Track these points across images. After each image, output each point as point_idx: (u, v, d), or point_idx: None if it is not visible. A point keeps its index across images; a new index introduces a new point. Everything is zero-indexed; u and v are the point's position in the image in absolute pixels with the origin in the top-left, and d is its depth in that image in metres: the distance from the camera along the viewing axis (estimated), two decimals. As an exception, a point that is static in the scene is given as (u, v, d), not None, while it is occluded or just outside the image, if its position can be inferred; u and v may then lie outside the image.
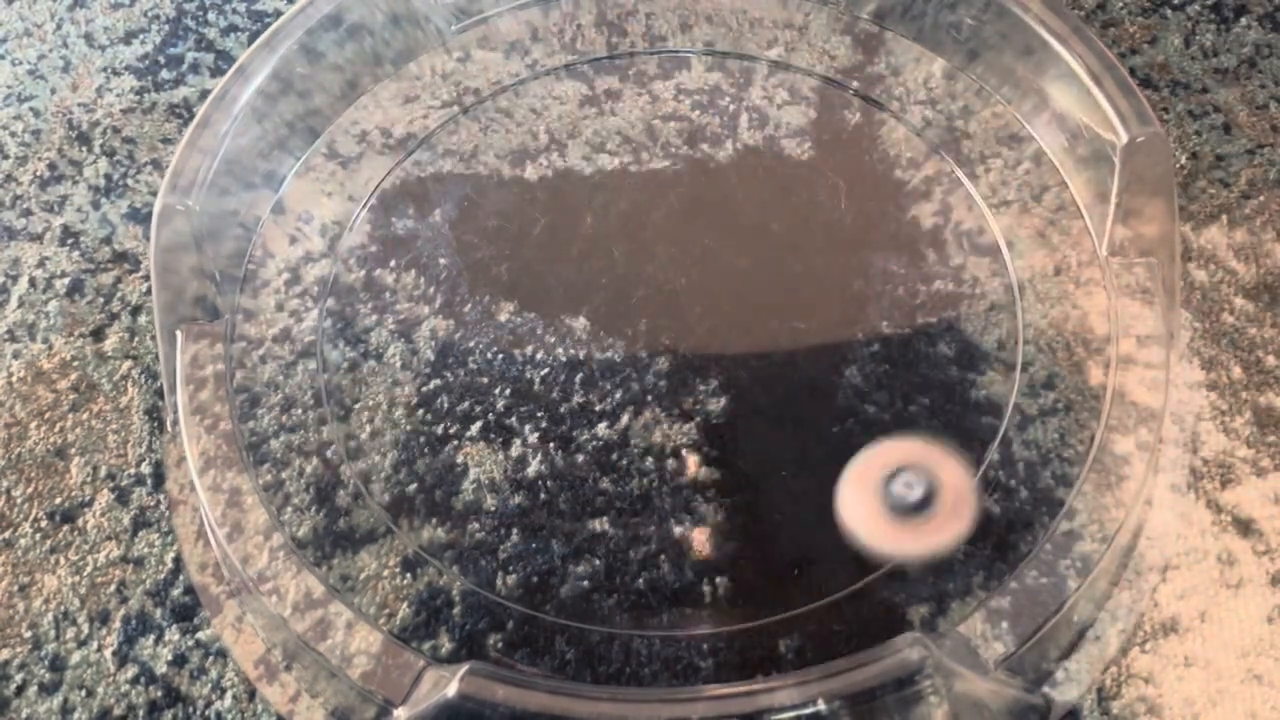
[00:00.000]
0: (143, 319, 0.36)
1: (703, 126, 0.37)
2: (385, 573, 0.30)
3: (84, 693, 0.30)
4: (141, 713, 0.30)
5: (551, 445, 0.32)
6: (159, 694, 0.30)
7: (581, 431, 0.32)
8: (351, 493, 0.31)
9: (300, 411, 0.33)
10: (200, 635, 0.30)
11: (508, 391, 0.33)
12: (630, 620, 0.29)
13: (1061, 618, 0.27)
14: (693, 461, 0.31)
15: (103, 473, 0.33)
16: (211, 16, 0.42)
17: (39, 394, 0.34)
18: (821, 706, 0.25)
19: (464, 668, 0.26)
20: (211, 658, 0.30)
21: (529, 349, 0.33)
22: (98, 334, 0.35)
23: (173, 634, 0.30)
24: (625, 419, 0.32)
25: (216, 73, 0.41)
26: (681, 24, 0.39)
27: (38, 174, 0.39)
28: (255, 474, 0.31)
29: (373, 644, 0.28)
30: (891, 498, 0.29)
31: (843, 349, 0.33)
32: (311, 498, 0.31)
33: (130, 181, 0.38)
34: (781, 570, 0.30)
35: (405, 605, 0.30)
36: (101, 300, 0.36)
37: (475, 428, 0.32)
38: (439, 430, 0.32)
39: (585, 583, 0.30)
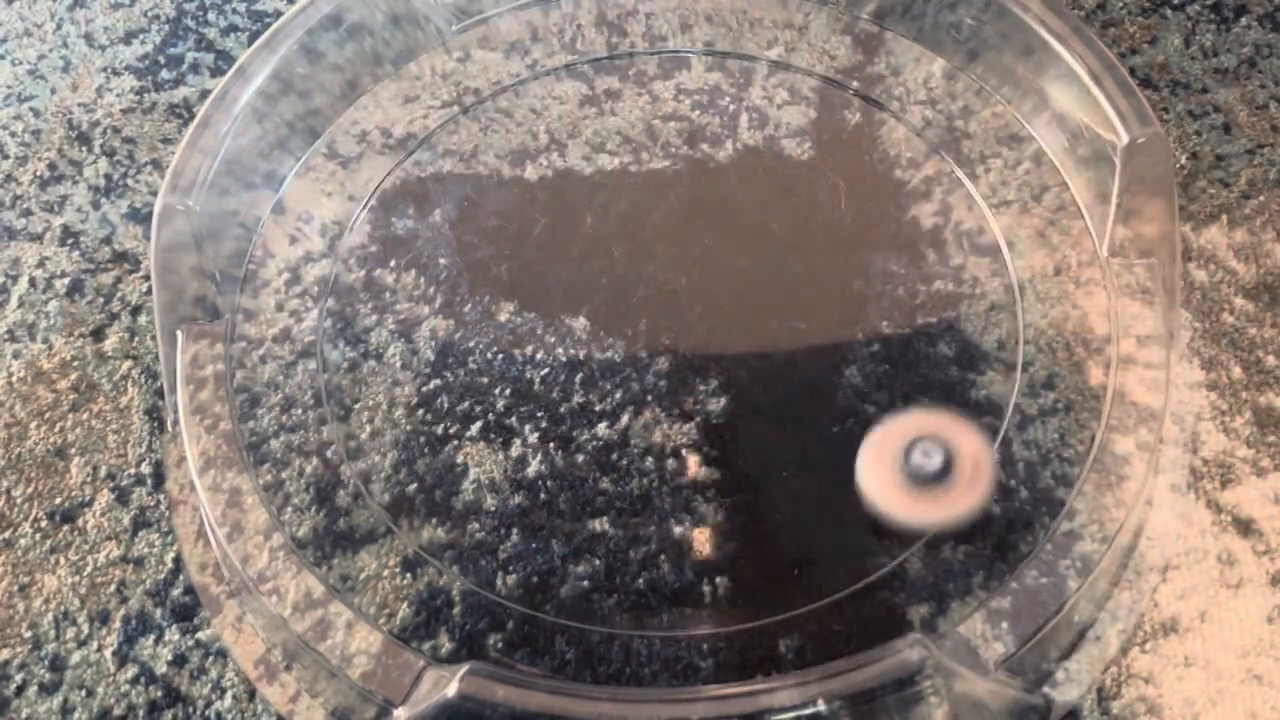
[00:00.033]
0: (143, 319, 0.36)
1: (703, 126, 0.37)
2: (385, 573, 0.30)
3: (84, 693, 0.30)
4: (141, 713, 0.30)
5: (551, 445, 0.32)
6: (159, 694, 0.30)
7: (581, 431, 0.32)
8: (351, 493, 0.31)
9: (300, 411, 0.33)
10: (200, 635, 0.30)
11: (508, 391, 0.33)
12: (630, 620, 0.29)
13: (1062, 618, 0.27)
14: (693, 461, 0.31)
15: (103, 473, 0.33)
16: (211, 16, 0.42)
17: (39, 394, 0.34)
18: (821, 707, 0.25)
19: (464, 668, 0.26)
20: (211, 658, 0.30)
21: (529, 349, 0.33)
22: (98, 334, 0.35)
23: (173, 634, 0.30)
24: (625, 419, 0.32)
25: (216, 73, 0.41)
26: (681, 24, 0.39)
27: (38, 174, 0.39)
28: (255, 474, 0.31)
29: (373, 644, 0.28)
30: (910, 467, 0.29)
31: (843, 349, 0.33)
32: (311, 498, 0.31)
33: (130, 181, 0.38)
34: (781, 570, 0.30)
35: (405, 605, 0.30)
36: (101, 300, 0.36)
37: (475, 428, 0.32)
38: (439, 430, 0.32)
39: (585, 583, 0.30)
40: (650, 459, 0.31)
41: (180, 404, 0.31)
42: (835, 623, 0.29)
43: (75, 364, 0.35)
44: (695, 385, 0.32)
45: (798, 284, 0.34)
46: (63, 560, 0.32)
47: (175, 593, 0.31)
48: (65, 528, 0.32)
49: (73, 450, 0.33)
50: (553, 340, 0.33)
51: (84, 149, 0.39)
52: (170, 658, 0.30)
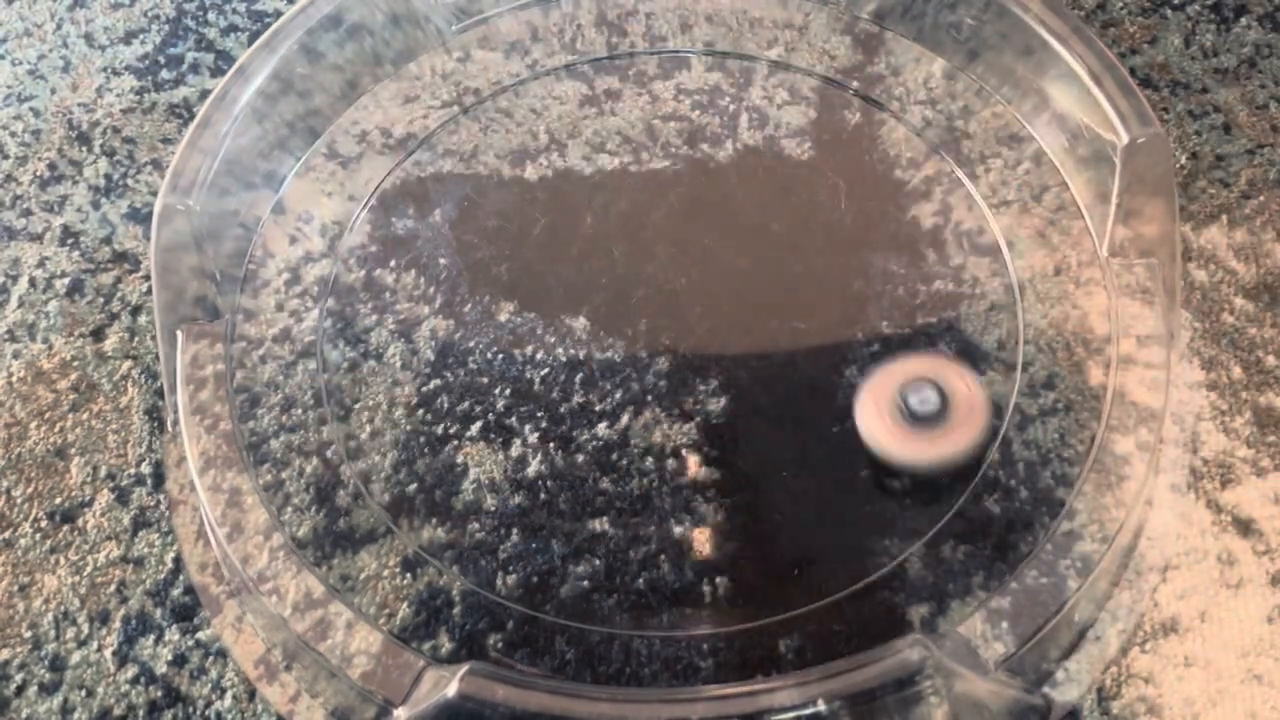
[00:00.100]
0: (143, 319, 0.36)
1: (703, 126, 0.37)
2: (385, 573, 0.30)
3: (84, 693, 0.30)
4: (141, 713, 0.30)
5: (551, 445, 0.32)
6: (159, 694, 0.30)
7: (581, 431, 0.32)
8: (351, 493, 0.31)
9: (300, 411, 0.33)
10: (200, 635, 0.30)
11: (508, 391, 0.33)
12: (630, 620, 0.29)
13: (1062, 618, 0.27)
14: (693, 461, 0.31)
15: (103, 473, 0.33)
16: (211, 16, 0.42)
17: (39, 394, 0.34)
18: (821, 707, 0.25)
19: (464, 668, 0.26)
20: (211, 658, 0.30)
21: (529, 349, 0.33)
22: (98, 334, 0.35)
23: (173, 634, 0.30)
24: (625, 419, 0.32)
25: (216, 73, 0.41)
26: (681, 24, 0.39)
27: (38, 174, 0.39)
28: (255, 474, 0.31)
29: (373, 644, 0.28)
30: (907, 408, 0.29)
31: (843, 349, 0.33)
32: (311, 498, 0.31)
33: (130, 181, 0.38)
34: (781, 570, 0.30)
35: (405, 605, 0.30)
36: (101, 300, 0.36)
37: (475, 428, 0.32)
38: (439, 430, 0.32)
39: (585, 583, 0.30)
40: (650, 459, 0.31)
41: (180, 404, 0.31)
42: (835, 623, 0.29)
43: (75, 364, 0.35)
44: (695, 385, 0.32)
45: (798, 284, 0.34)
46: (63, 560, 0.32)
47: (175, 593, 0.31)
48: (65, 528, 0.32)
49: (73, 450, 0.33)
50: (553, 340, 0.33)
51: (84, 149, 0.39)
52: (170, 658, 0.30)
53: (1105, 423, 0.29)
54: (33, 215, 0.38)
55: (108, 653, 0.30)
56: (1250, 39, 0.38)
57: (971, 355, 0.32)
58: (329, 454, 0.32)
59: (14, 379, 0.35)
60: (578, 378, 0.33)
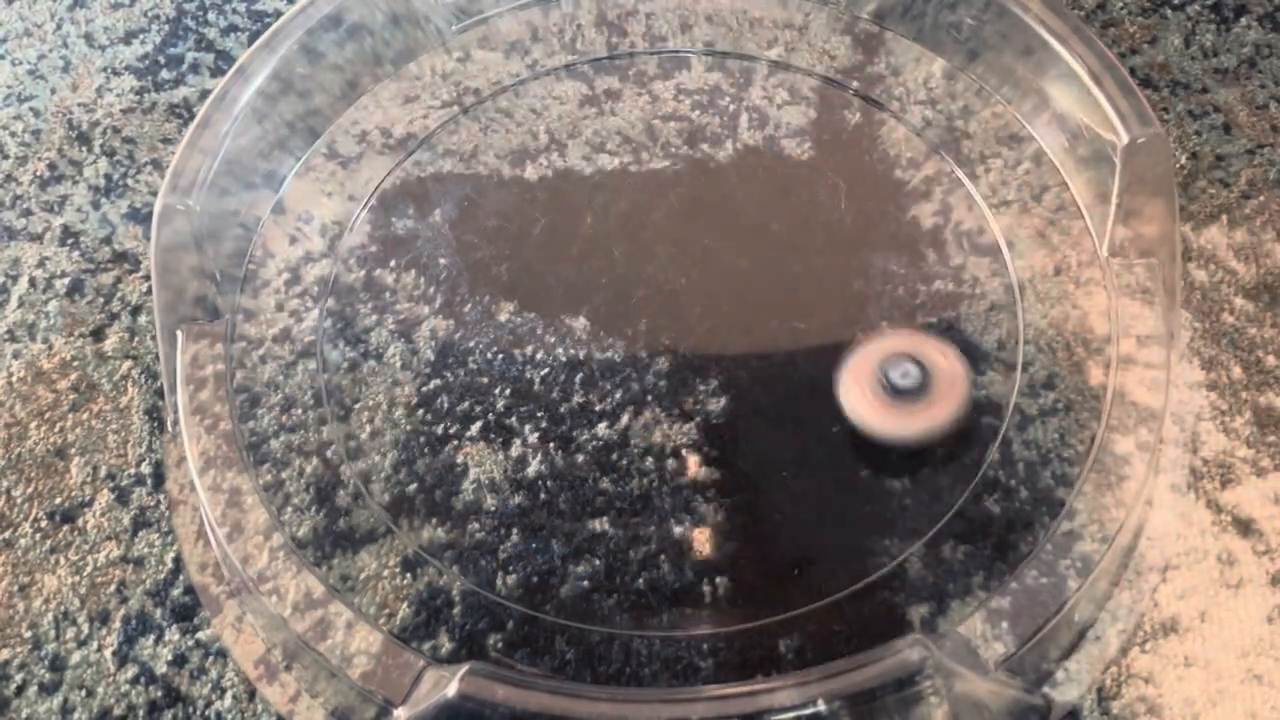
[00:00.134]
0: (143, 319, 0.36)
1: (703, 126, 0.37)
2: (385, 573, 0.30)
3: (84, 693, 0.30)
4: (141, 713, 0.30)
5: (551, 445, 0.32)
6: (159, 694, 0.30)
7: (581, 431, 0.32)
8: (351, 493, 0.31)
9: (300, 411, 0.33)
10: (200, 635, 0.30)
11: (508, 391, 0.33)
12: (630, 620, 0.29)
13: (1062, 618, 0.27)
14: (693, 461, 0.31)
15: (103, 473, 0.33)
16: (211, 16, 0.42)
17: (39, 394, 0.34)
18: (821, 707, 0.25)
19: (464, 668, 0.26)
20: (211, 658, 0.30)
21: (529, 349, 0.33)
22: (98, 334, 0.35)
23: (173, 634, 0.30)
24: (625, 419, 0.32)
25: (216, 73, 0.41)
26: (681, 24, 0.39)
27: (38, 174, 0.39)
28: (255, 474, 0.31)
29: (373, 644, 0.28)
30: (888, 383, 0.30)
31: (843, 349, 0.33)
32: (311, 498, 0.31)
33: (130, 181, 0.38)
34: (781, 570, 0.30)
35: (405, 605, 0.30)
36: (101, 300, 0.36)
37: (475, 428, 0.32)
38: (439, 430, 0.32)
39: (585, 583, 0.30)
40: (650, 459, 0.31)
41: (180, 404, 0.31)
42: (835, 623, 0.29)
43: (75, 364, 0.35)
44: (695, 385, 0.32)
45: (798, 284, 0.34)
46: (63, 560, 0.32)
47: (175, 593, 0.31)
48: (65, 528, 0.32)
49: (73, 450, 0.33)
50: (553, 340, 0.34)
51: (84, 149, 0.39)
52: (170, 658, 0.30)
53: (1105, 423, 0.29)
54: (33, 215, 0.38)
55: (108, 653, 0.30)
56: (1250, 39, 0.38)
57: (971, 355, 0.32)
58: (329, 454, 0.32)
59: (14, 379, 0.35)
60: (578, 378, 0.33)
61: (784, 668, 0.28)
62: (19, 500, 0.33)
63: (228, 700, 0.30)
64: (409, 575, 0.30)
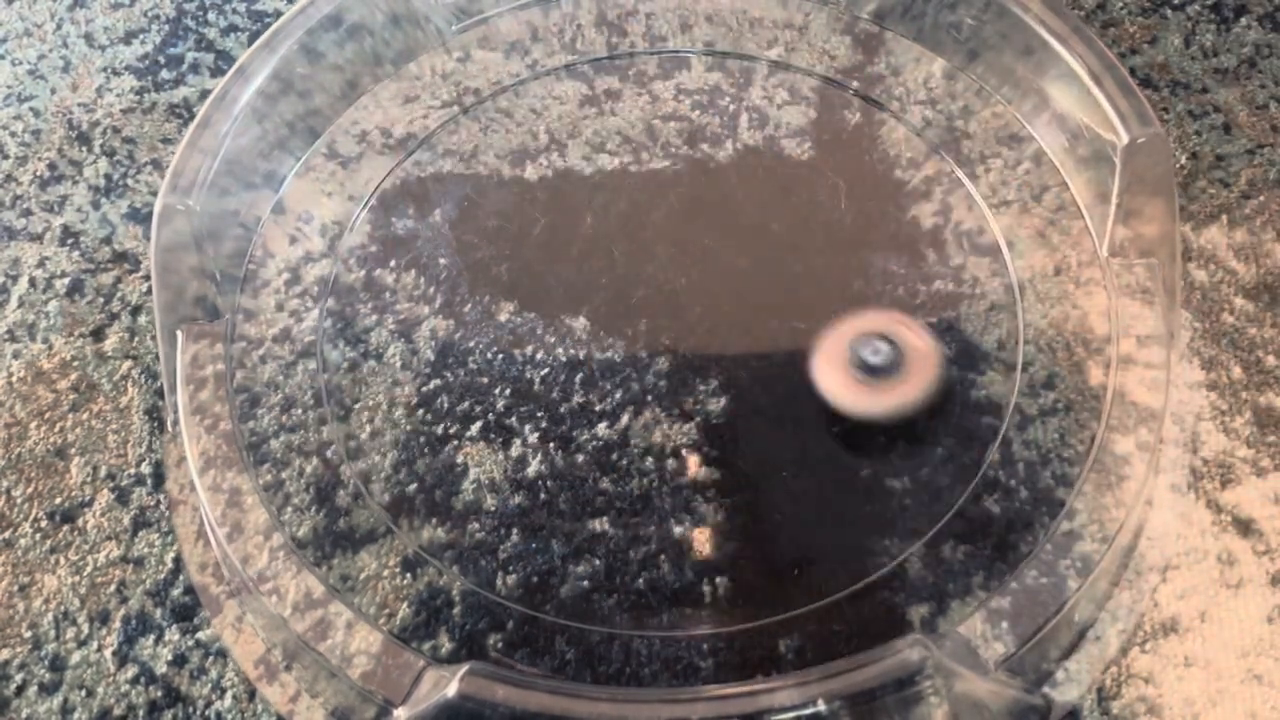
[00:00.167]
0: (143, 319, 0.36)
1: (703, 126, 0.37)
2: (385, 573, 0.30)
3: (84, 693, 0.30)
4: (141, 713, 0.30)
5: (551, 445, 0.32)
6: (159, 694, 0.30)
7: (581, 431, 0.32)
8: (351, 493, 0.31)
9: (300, 411, 0.33)
10: (200, 635, 0.30)
11: (508, 391, 0.33)
12: (630, 620, 0.29)
13: (1062, 618, 0.27)
14: (693, 461, 0.31)
15: (103, 473, 0.33)
16: (211, 16, 0.42)
17: (39, 394, 0.34)
18: (821, 707, 0.25)
19: (464, 668, 0.26)
20: (211, 658, 0.30)
21: (529, 349, 0.33)
22: (98, 334, 0.35)
23: (173, 634, 0.30)
24: (625, 419, 0.32)
25: (216, 73, 0.41)
26: (681, 24, 0.39)
27: (38, 174, 0.39)
28: (255, 474, 0.31)
29: (373, 644, 0.28)
30: (861, 361, 0.31)
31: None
32: (311, 498, 0.31)
33: (130, 181, 0.38)
34: (781, 570, 0.30)
35: (405, 605, 0.30)
36: (101, 300, 0.36)
37: (475, 428, 0.32)
38: (439, 430, 0.32)
39: (585, 583, 0.30)
40: (650, 459, 0.31)
41: (180, 404, 0.31)
42: (835, 623, 0.29)
43: (75, 364, 0.35)
44: (695, 385, 0.32)
45: (798, 284, 0.34)
46: (63, 560, 0.32)
47: (175, 593, 0.31)
48: (65, 528, 0.32)
49: (73, 450, 0.33)
50: (553, 340, 0.34)
51: (84, 149, 0.39)
52: (170, 658, 0.30)
53: (1105, 423, 0.29)
54: (33, 215, 0.38)
55: (108, 653, 0.30)
56: (1250, 39, 0.38)
57: (971, 355, 0.32)
58: (329, 454, 0.32)
59: (14, 379, 0.35)
60: (578, 378, 0.33)
61: (784, 668, 0.28)
62: (19, 500, 0.33)
63: (228, 700, 0.30)
64: (409, 575, 0.30)
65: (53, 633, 0.31)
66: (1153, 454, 0.29)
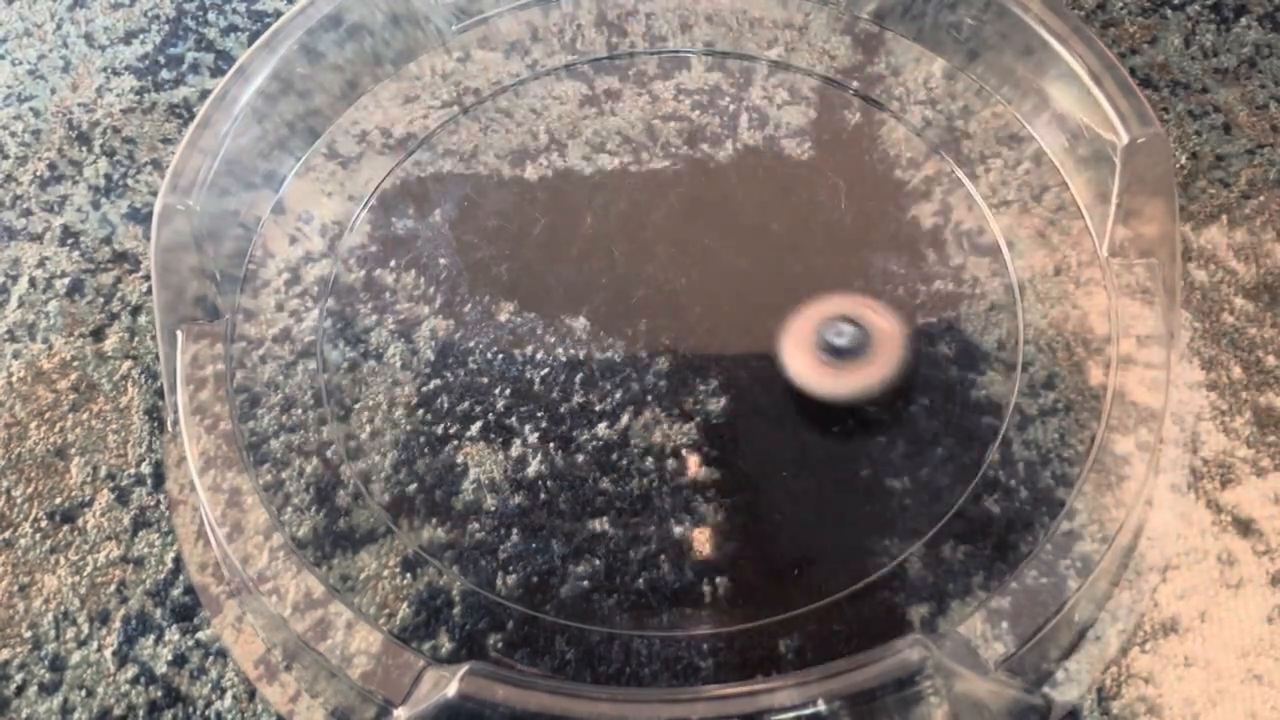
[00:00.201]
0: (143, 319, 0.36)
1: (703, 126, 0.37)
2: (385, 573, 0.30)
3: (84, 693, 0.30)
4: (141, 713, 0.30)
5: (551, 445, 0.32)
6: (159, 694, 0.30)
7: (581, 431, 0.32)
8: (351, 493, 0.31)
9: (300, 411, 0.33)
10: (200, 635, 0.30)
11: (508, 391, 0.33)
12: (630, 620, 0.29)
13: (1062, 618, 0.27)
14: (693, 461, 0.31)
15: (103, 473, 0.33)
16: (211, 16, 0.42)
17: (39, 394, 0.34)
18: (821, 707, 0.25)
19: (464, 668, 0.26)
20: (211, 658, 0.30)
21: (529, 349, 0.33)
22: (98, 334, 0.35)
23: (173, 634, 0.30)
24: (625, 419, 0.32)
25: (216, 73, 0.41)
26: (681, 24, 0.39)
27: (38, 174, 0.39)
28: (255, 474, 0.31)
29: (373, 644, 0.28)
30: (827, 344, 0.31)
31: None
32: (311, 498, 0.31)
33: (130, 181, 0.38)
34: (781, 570, 0.30)
35: (405, 605, 0.30)
36: (101, 300, 0.36)
37: (475, 428, 0.32)
38: (439, 430, 0.32)
39: (585, 583, 0.30)
40: (650, 459, 0.31)
41: (180, 404, 0.31)
42: (835, 623, 0.29)
43: (75, 364, 0.35)
44: (695, 385, 0.32)
45: (798, 284, 0.34)
46: (63, 560, 0.32)
47: (175, 593, 0.31)
48: (65, 528, 0.32)
49: (73, 450, 0.33)
50: (553, 340, 0.34)
51: (84, 149, 0.39)
52: (170, 658, 0.30)
53: (1105, 423, 0.29)
54: (33, 215, 0.38)
55: (108, 653, 0.30)
56: (1250, 39, 0.38)
57: (971, 355, 0.32)
58: (329, 454, 0.32)
59: (14, 379, 0.35)
60: (578, 378, 0.33)
61: (784, 668, 0.28)
62: (19, 500, 0.33)
63: (228, 700, 0.30)
64: (409, 575, 0.30)
65: (53, 633, 0.31)
66: (1153, 454, 0.29)
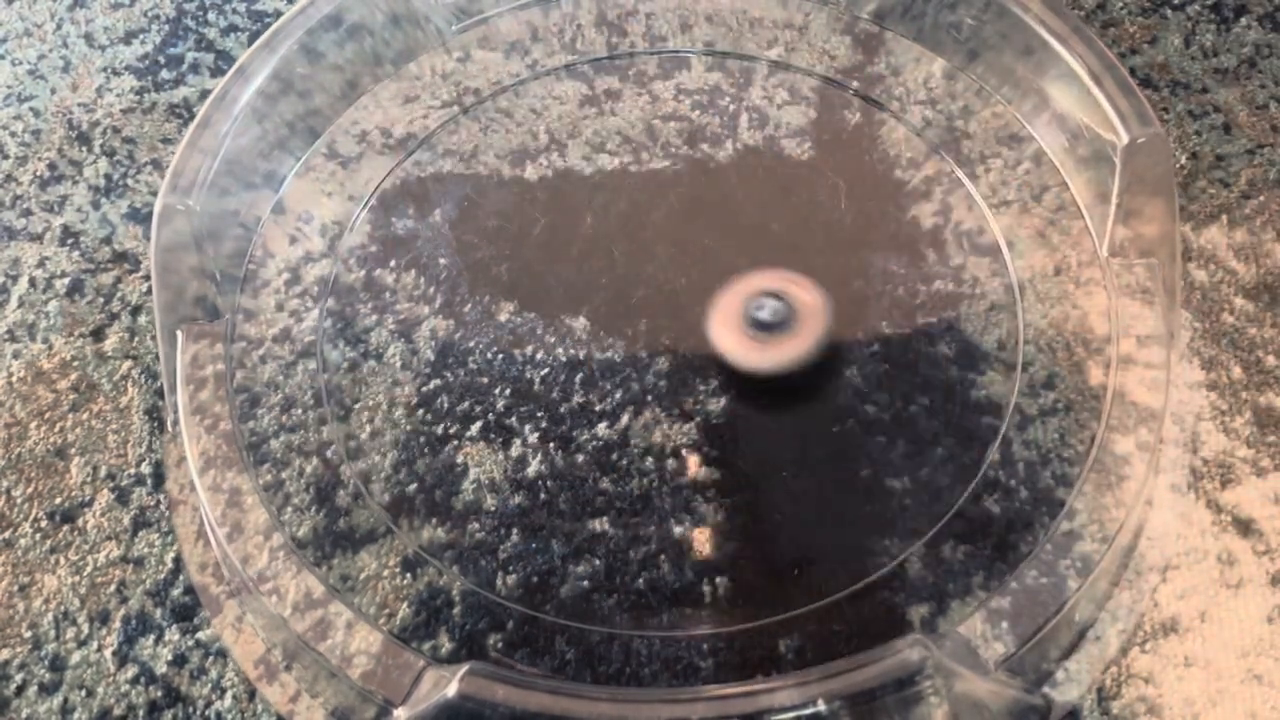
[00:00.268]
0: (143, 319, 0.36)
1: (703, 126, 0.37)
2: (385, 573, 0.30)
3: (84, 693, 0.30)
4: (141, 713, 0.30)
5: (551, 445, 0.32)
6: (159, 694, 0.30)
7: (581, 431, 0.32)
8: (351, 493, 0.31)
9: (300, 411, 0.33)
10: (200, 635, 0.30)
11: (508, 391, 0.33)
12: (630, 620, 0.29)
13: (1062, 618, 0.27)
14: (693, 461, 0.31)
15: (103, 473, 0.33)
16: (211, 16, 0.42)
17: (39, 394, 0.34)
18: (821, 707, 0.25)
19: (464, 668, 0.26)
20: (211, 658, 0.30)
21: (529, 349, 0.33)
22: (98, 334, 0.35)
23: (173, 634, 0.30)
24: (625, 419, 0.32)
25: (216, 73, 0.41)
26: (681, 24, 0.39)
27: (38, 174, 0.39)
28: (255, 474, 0.31)
29: (373, 644, 0.28)
30: (754, 319, 0.32)
31: (843, 349, 0.33)
32: (311, 498, 0.31)
33: (130, 181, 0.38)
34: (781, 570, 0.30)
35: (405, 605, 0.30)
36: (101, 300, 0.36)
37: (475, 428, 0.32)
38: (439, 430, 0.32)
39: (585, 583, 0.30)
40: (650, 459, 0.31)
41: (180, 404, 0.31)
42: (835, 623, 0.29)
43: (75, 364, 0.35)
44: (695, 385, 0.32)
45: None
46: (63, 560, 0.32)
47: (175, 593, 0.31)
48: (65, 528, 0.32)
49: (73, 450, 0.33)
50: (553, 340, 0.34)
51: (84, 149, 0.39)
52: (170, 658, 0.30)
53: (1105, 423, 0.29)
54: (33, 215, 0.38)
55: (108, 653, 0.30)
56: (1250, 39, 0.38)
57: (971, 355, 0.32)
58: (329, 454, 0.32)
59: (14, 379, 0.35)
60: (578, 378, 0.33)
61: (784, 668, 0.28)
62: (19, 500, 0.33)
63: (228, 700, 0.30)
64: (409, 575, 0.30)
65: (53, 633, 0.31)
66: (1153, 454, 0.29)
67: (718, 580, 0.30)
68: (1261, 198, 0.35)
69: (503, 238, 0.35)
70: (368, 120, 0.38)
